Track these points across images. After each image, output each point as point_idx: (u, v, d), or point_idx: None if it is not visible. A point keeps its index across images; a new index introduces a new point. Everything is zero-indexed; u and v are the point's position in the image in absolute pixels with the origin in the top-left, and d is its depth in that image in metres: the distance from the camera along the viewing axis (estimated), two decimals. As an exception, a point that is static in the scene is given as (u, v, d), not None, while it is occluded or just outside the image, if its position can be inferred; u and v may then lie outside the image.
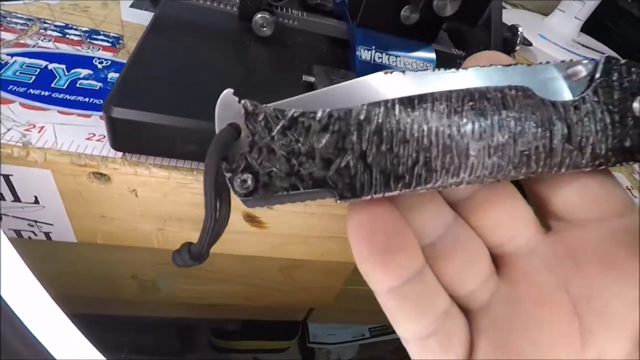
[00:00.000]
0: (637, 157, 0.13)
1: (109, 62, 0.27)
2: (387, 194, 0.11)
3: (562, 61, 0.13)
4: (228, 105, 0.11)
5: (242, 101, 0.11)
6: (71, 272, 0.33)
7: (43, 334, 0.14)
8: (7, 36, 0.26)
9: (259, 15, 0.26)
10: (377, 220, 0.11)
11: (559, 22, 0.57)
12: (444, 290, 0.13)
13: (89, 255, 0.30)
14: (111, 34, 0.30)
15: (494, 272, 0.13)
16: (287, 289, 0.38)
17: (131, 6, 0.34)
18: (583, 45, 0.57)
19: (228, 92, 0.11)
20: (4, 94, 0.22)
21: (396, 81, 0.12)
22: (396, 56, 0.27)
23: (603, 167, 0.12)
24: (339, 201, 0.11)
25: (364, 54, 0.26)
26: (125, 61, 0.28)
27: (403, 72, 0.12)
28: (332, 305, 0.43)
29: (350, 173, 0.11)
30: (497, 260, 0.14)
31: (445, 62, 0.31)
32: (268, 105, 0.11)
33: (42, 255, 0.29)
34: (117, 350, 0.60)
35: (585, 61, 0.12)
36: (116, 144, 0.20)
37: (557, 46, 0.54)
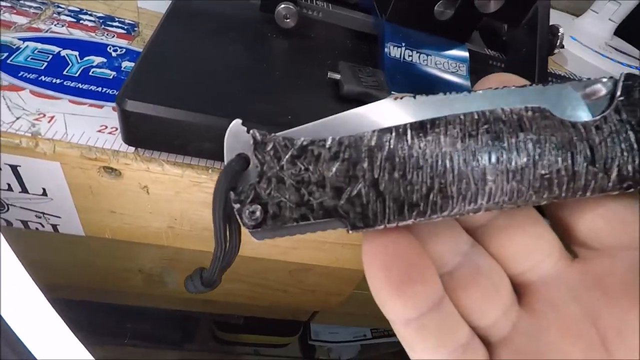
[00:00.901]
0: None
1: (124, 50, 0.26)
2: (401, 223, 0.11)
3: (580, 79, 0.12)
4: (237, 135, 0.11)
5: (251, 131, 0.11)
6: (77, 263, 0.32)
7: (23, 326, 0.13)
8: (20, 20, 0.25)
9: (282, 6, 0.25)
10: (394, 249, 0.11)
11: (591, 24, 0.54)
12: (464, 321, 0.12)
13: (96, 247, 0.29)
14: (126, 21, 0.29)
15: (515, 302, 0.13)
16: (294, 291, 0.37)
17: (149, -8, 0.33)
18: (616, 49, 0.54)
19: (237, 122, 0.11)
20: (15, 81, 0.21)
21: (407, 106, 0.11)
22: (427, 55, 0.26)
23: (632, 189, 0.11)
24: (350, 231, 0.11)
25: (393, 51, 0.25)
26: (140, 50, 0.26)
27: (414, 96, 0.11)
28: (337, 308, 0.41)
29: (362, 202, 0.11)
30: (519, 289, 0.13)
31: (478, 62, 0.29)
32: (277, 134, 0.11)
33: (49, 245, 0.29)
34: (119, 337, 0.60)
35: (604, 79, 0.12)
36: (129, 139, 0.19)
37: (589, 49, 0.52)
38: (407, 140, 0.11)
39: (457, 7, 0.22)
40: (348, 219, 0.11)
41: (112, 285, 0.35)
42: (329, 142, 0.11)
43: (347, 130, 0.11)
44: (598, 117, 0.11)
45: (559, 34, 0.30)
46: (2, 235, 0.14)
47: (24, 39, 0.24)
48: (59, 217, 0.23)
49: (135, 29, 0.28)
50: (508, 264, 0.13)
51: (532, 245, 0.12)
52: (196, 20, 0.24)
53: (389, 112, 0.11)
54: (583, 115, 0.12)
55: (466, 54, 0.27)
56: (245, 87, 0.21)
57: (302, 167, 0.11)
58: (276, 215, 0.11)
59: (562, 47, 0.47)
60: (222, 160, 0.21)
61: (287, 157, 0.11)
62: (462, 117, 0.11)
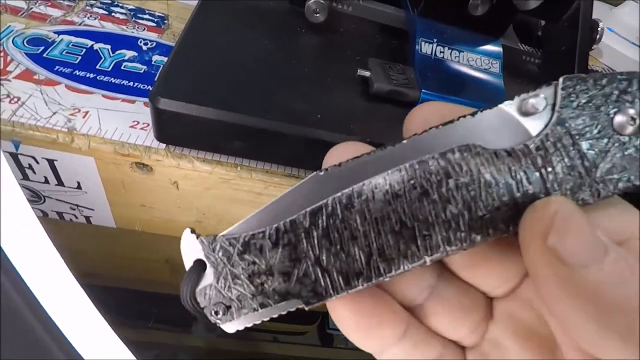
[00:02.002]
0: (635, 184, 0.11)
1: (154, 43, 0.26)
2: (351, 291, 0.11)
3: (517, 96, 0.11)
4: (189, 243, 0.12)
5: (199, 238, 0.12)
6: (106, 252, 0.33)
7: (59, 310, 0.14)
8: (55, 12, 0.26)
9: (312, 1, 0.25)
10: (357, 302, 0.12)
11: (629, 14, 0.52)
12: (436, 336, 0.13)
13: (125, 238, 0.30)
14: (156, 13, 0.29)
15: (487, 316, 0.13)
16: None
17: (177, -17, 0.33)
18: (655, 41, 0.52)
19: (186, 232, 0.12)
20: (51, 75, 0.22)
21: (333, 177, 0.11)
22: (459, 51, 0.25)
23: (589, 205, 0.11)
24: (307, 308, 0.11)
25: (425, 47, 0.24)
26: (170, 43, 0.27)
27: (339, 164, 0.11)
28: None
29: (311, 280, 0.11)
30: (492, 303, 0.14)
31: (511, 58, 0.28)
32: (223, 233, 0.12)
33: (79, 234, 0.30)
34: (144, 320, 0.62)
35: (543, 88, 0.11)
36: (161, 136, 0.19)
37: (626, 41, 0.50)
38: (337, 215, 0.11)
39: (493, 2, 0.21)
40: (301, 298, 0.11)
41: (139, 273, 0.36)
42: (267, 232, 0.11)
43: (286, 213, 0.11)
44: (538, 135, 0.10)
45: (599, 28, 0.29)
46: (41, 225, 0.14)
47: (59, 32, 0.24)
48: (92, 210, 0.24)
49: (165, 21, 0.28)
50: (478, 286, 0.13)
51: (497, 270, 0.13)
52: (225, 15, 0.24)
53: (317, 188, 0.11)
54: (523, 137, 0.11)
55: (500, 50, 0.26)
56: (275, 84, 0.21)
57: (250, 260, 0.11)
58: (239, 308, 0.11)
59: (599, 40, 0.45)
60: (251, 158, 0.21)
61: (234, 254, 0.11)
62: (386, 177, 0.11)
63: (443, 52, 0.25)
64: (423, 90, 0.22)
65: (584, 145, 0.10)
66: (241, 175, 0.21)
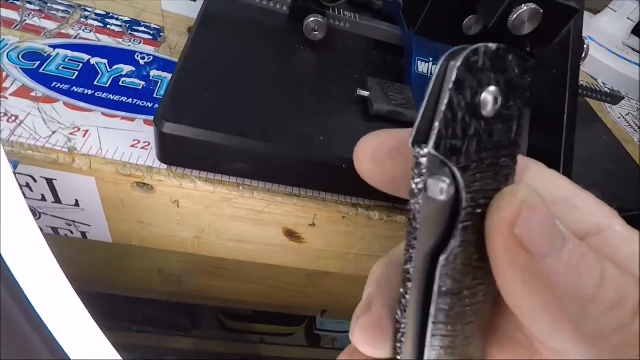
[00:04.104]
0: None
1: (151, 57, 0.26)
2: None
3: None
4: None
5: None
6: (98, 262, 0.33)
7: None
8: (49, 25, 0.25)
9: (312, 19, 0.25)
10: None
11: (609, 23, 0.54)
12: None
13: (119, 250, 0.30)
14: (152, 26, 0.29)
15: None
16: (309, 292, 0.38)
17: (171, -7, 0.32)
18: (633, 49, 0.54)
19: None
20: (49, 92, 0.21)
21: None
22: (454, 70, 0.25)
23: None
24: None
25: (421, 66, 0.25)
26: (166, 57, 0.26)
27: None
28: (350, 307, 0.42)
29: None
30: None
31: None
32: None
33: (72, 246, 0.29)
34: (129, 323, 0.61)
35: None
36: (164, 158, 0.20)
37: (606, 50, 0.51)
38: None
39: (490, 25, 0.22)
40: None
41: (131, 283, 0.36)
42: None
43: None
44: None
45: (585, 45, 0.30)
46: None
47: (55, 46, 0.24)
48: (89, 226, 0.24)
49: (161, 34, 0.28)
50: None
51: None
52: (225, 33, 0.24)
53: None
54: None
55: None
56: (277, 106, 0.21)
57: None
58: None
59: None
60: (254, 178, 0.21)
61: None
62: None
63: (438, 72, 0.25)
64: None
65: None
66: (243, 195, 0.21)
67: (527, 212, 0.10)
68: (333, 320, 0.69)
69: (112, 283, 0.38)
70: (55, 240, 0.27)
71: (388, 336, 0.12)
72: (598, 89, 0.34)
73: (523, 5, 0.20)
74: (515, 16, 0.20)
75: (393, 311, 0.12)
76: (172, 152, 0.19)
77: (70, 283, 0.16)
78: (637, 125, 0.44)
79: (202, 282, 0.36)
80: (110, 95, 0.23)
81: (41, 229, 0.24)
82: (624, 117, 0.44)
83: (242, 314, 0.69)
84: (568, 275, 0.09)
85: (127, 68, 0.25)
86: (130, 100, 0.23)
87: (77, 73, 0.23)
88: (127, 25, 0.28)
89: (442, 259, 0.10)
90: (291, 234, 0.24)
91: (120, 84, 0.23)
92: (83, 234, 0.25)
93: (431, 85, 0.10)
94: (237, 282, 0.36)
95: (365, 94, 0.23)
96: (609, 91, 0.34)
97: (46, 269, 0.15)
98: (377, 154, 0.12)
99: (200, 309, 0.71)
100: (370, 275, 0.14)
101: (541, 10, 0.20)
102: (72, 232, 0.25)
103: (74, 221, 0.23)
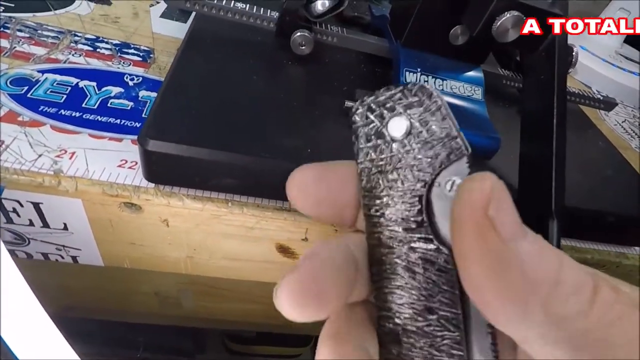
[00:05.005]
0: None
1: (140, 78, 0.26)
2: None
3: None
4: None
5: None
6: (94, 287, 0.32)
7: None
8: (39, 51, 0.25)
9: (298, 34, 0.25)
10: None
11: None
12: None
13: (114, 273, 0.29)
14: (142, 47, 0.29)
15: None
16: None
17: (161, 16, 0.33)
18: (626, 58, 0.54)
19: None
20: (36, 116, 0.21)
21: None
22: (442, 79, 0.25)
23: None
24: None
25: (409, 76, 0.25)
26: (156, 77, 0.27)
27: None
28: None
29: None
30: None
31: (492, 83, 0.29)
32: None
33: (66, 271, 0.29)
34: (132, 349, 0.60)
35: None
36: (150, 176, 0.19)
37: (599, 59, 0.52)
38: None
39: (473, 35, 0.22)
40: None
41: (128, 307, 0.35)
42: None
43: None
44: None
45: (574, 53, 0.30)
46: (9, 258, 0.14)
47: (43, 71, 0.24)
48: (79, 250, 0.23)
49: (151, 55, 0.28)
50: None
51: None
52: (212, 51, 0.24)
53: None
54: None
55: (481, 76, 0.27)
56: (265, 120, 0.21)
57: None
58: None
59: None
60: (243, 194, 0.21)
61: None
62: None
63: (427, 81, 0.25)
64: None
65: None
66: (232, 211, 0.21)
67: (499, 195, 0.10)
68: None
69: (109, 309, 0.37)
70: (47, 266, 0.27)
71: (313, 294, 0.11)
72: (590, 96, 0.33)
73: (506, 12, 0.20)
74: (498, 24, 0.20)
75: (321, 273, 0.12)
76: (158, 170, 0.19)
77: (64, 310, 0.15)
78: (634, 132, 0.43)
79: (200, 303, 0.36)
80: (98, 117, 0.23)
81: (30, 255, 0.24)
82: (620, 124, 0.44)
83: (247, 337, 0.68)
84: (533, 261, 0.10)
85: (115, 89, 0.25)
86: (118, 121, 0.23)
87: (65, 96, 0.23)
88: (117, 48, 0.28)
89: None
90: (284, 250, 0.24)
91: (109, 105, 0.24)
92: (74, 258, 0.24)
93: None
94: (236, 302, 0.35)
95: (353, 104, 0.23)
96: (602, 97, 0.34)
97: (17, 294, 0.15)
98: (303, 183, 0.14)
99: (204, 333, 0.70)
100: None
101: (524, 17, 0.20)
102: (62, 257, 0.24)
103: (63, 245, 0.23)
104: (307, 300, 0.11)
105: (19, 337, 0.14)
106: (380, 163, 0.12)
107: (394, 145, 0.12)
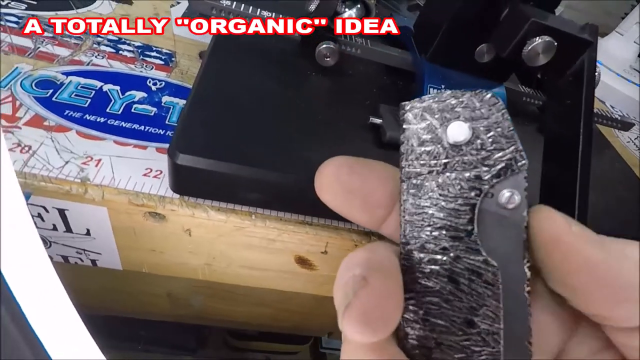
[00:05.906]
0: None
1: (163, 83, 0.26)
2: None
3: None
4: None
5: None
6: (106, 288, 0.32)
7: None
8: (62, 51, 0.25)
9: (324, 46, 0.25)
10: None
11: (616, 46, 0.54)
12: None
13: (128, 276, 0.30)
14: (164, 50, 0.29)
15: None
16: (318, 313, 0.37)
17: (182, 17, 0.33)
18: (641, 72, 0.54)
19: None
20: (62, 120, 0.21)
21: None
22: (466, 97, 0.25)
23: None
24: None
25: (433, 93, 0.25)
26: (178, 82, 0.26)
27: None
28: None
29: None
30: None
31: (512, 100, 0.29)
32: None
33: (81, 273, 0.29)
34: (134, 342, 0.61)
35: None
36: (177, 188, 0.19)
37: (613, 73, 0.51)
38: None
39: (504, 55, 0.22)
40: None
41: (139, 307, 0.36)
42: None
43: None
44: None
45: (597, 73, 0.30)
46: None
47: (67, 73, 0.24)
48: (99, 254, 0.23)
49: (173, 59, 0.28)
50: None
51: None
52: (237, 61, 0.24)
53: None
54: None
55: (504, 93, 0.27)
56: (290, 134, 0.21)
57: None
58: None
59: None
60: (267, 208, 0.21)
61: None
62: None
63: (451, 98, 0.25)
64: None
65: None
66: (255, 224, 0.21)
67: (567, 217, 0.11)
68: (339, 340, 0.68)
69: (118, 306, 0.37)
70: (63, 267, 0.27)
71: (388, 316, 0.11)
72: (609, 116, 0.33)
73: (537, 37, 0.20)
74: (529, 48, 0.20)
75: (393, 290, 0.11)
76: (186, 183, 0.19)
77: (75, 306, 0.15)
78: (647, 150, 0.43)
79: (210, 304, 0.36)
80: (123, 123, 0.23)
81: (51, 257, 0.24)
82: (632, 141, 0.44)
83: (248, 334, 0.69)
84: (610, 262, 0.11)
85: (139, 94, 0.25)
86: (142, 128, 0.23)
87: (89, 100, 0.23)
88: (139, 51, 0.28)
89: None
90: (303, 261, 0.24)
91: (133, 110, 0.23)
92: (93, 261, 0.24)
93: None
94: (246, 305, 0.36)
95: (378, 121, 0.23)
96: (619, 117, 0.34)
97: (51, 294, 0.15)
98: (336, 172, 0.13)
99: (205, 329, 0.70)
100: (347, 262, 0.12)
101: (555, 43, 0.20)
102: (82, 260, 0.24)
103: (84, 249, 0.23)
104: (378, 324, 0.10)
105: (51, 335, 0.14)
106: (432, 167, 0.12)
107: (451, 151, 0.12)
